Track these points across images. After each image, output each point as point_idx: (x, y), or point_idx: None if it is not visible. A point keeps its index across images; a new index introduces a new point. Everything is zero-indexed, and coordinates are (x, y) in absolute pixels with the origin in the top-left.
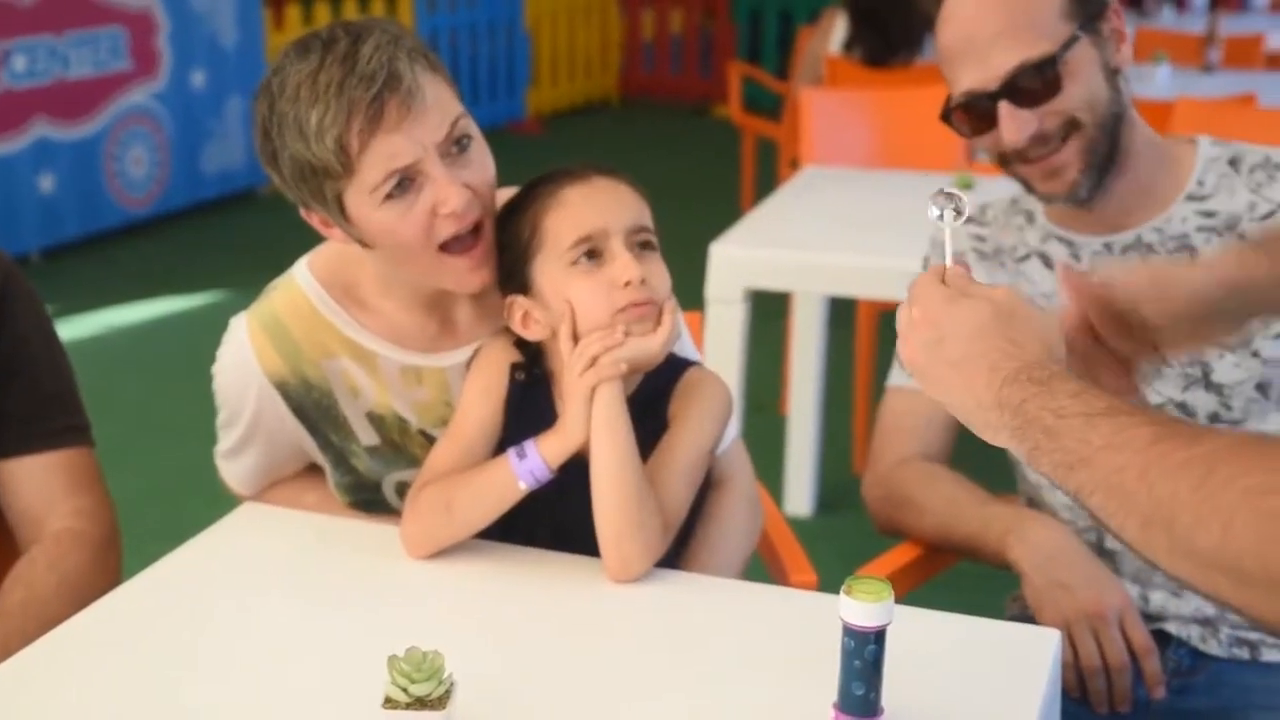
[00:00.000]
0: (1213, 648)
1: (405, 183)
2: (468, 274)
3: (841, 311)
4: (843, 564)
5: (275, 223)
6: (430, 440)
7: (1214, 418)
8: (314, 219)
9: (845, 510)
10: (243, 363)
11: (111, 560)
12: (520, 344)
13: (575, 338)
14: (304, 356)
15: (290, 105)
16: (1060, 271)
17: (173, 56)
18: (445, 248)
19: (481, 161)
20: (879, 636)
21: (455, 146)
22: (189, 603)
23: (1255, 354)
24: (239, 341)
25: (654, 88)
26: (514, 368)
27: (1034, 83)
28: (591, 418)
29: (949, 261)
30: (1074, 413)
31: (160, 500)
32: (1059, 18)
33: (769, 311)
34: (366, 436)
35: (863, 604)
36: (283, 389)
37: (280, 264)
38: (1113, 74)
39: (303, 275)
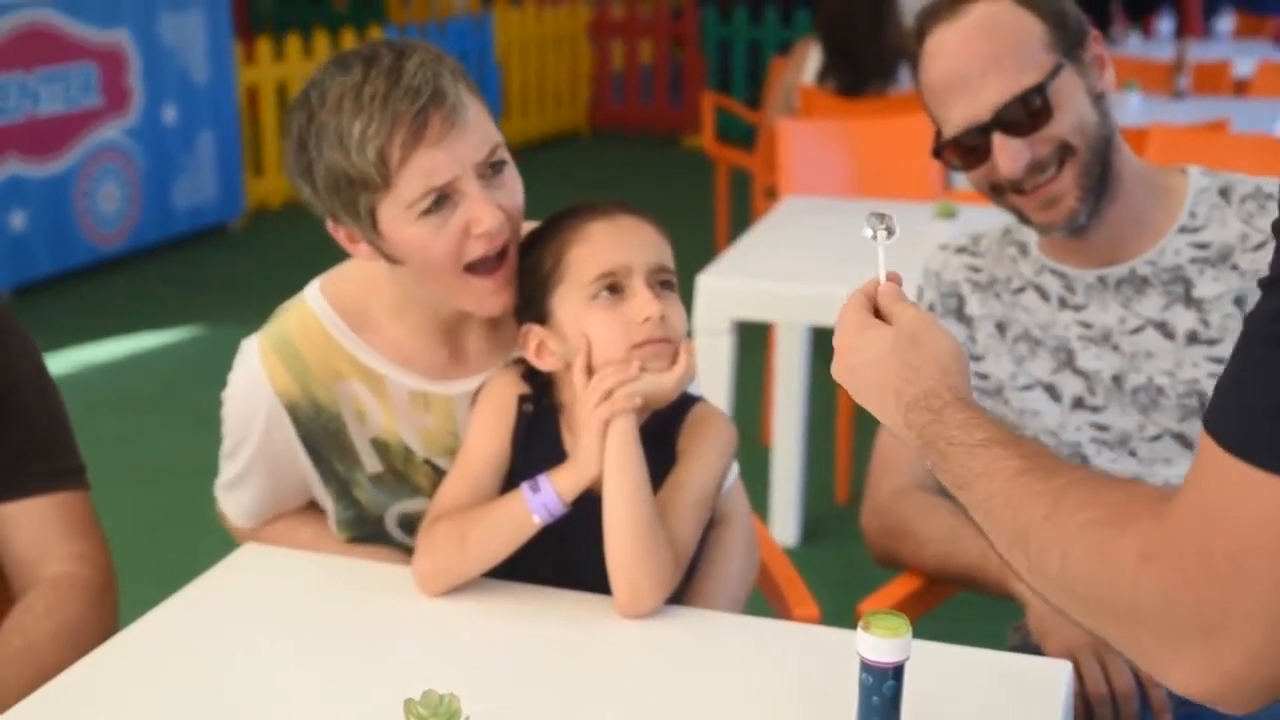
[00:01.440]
0: None
1: (441, 199)
2: (490, 296)
3: (823, 341)
4: (829, 594)
5: (248, 258)
6: (434, 470)
7: (1078, 402)
8: (340, 233)
9: (831, 540)
10: (254, 384)
11: (109, 605)
12: (527, 376)
13: (589, 371)
14: (314, 378)
15: (332, 116)
16: None
17: (144, 92)
18: (470, 268)
19: (514, 186)
20: (898, 672)
21: (491, 169)
22: (191, 649)
23: (1115, 347)
24: (250, 363)
25: (624, 118)
26: (522, 399)
27: (1024, 112)
28: (605, 451)
29: (882, 278)
30: (959, 442)
31: (138, 539)
32: (1042, 48)
33: (748, 341)
34: (371, 464)
35: (881, 639)
36: (293, 411)
37: (252, 299)
38: (1098, 99)
39: (314, 297)
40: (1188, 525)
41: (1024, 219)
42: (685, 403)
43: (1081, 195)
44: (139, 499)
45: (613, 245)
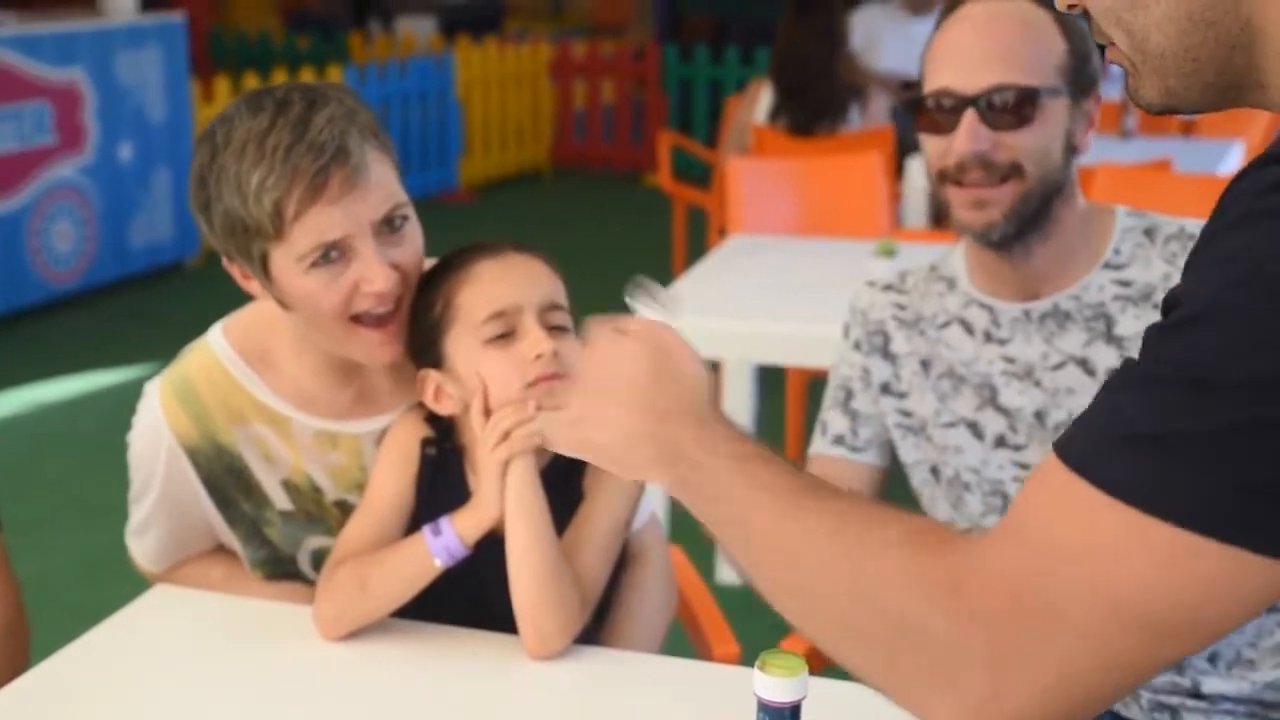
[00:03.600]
0: (1134, 712)
1: (333, 254)
2: (378, 347)
3: (770, 379)
4: (774, 633)
5: (203, 296)
6: (345, 510)
7: (1000, 440)
8: (234, 269)
9: None
10: (154, 429)
11: (17, 647)
12: (432, 418)
13: (487, 413)
14: (215, 421)
15: (233, 160)
16: None
17: (99, 130)
18: (358, 319)
19: (413, 241)
20: (794, 712)
21: (388, 226)
22: (97, 690)
23: (1037, 383)
24: (151, 407)
25: (586, 157)
26: (425, 443)
27: (1007, 106)
28: (505, 492)
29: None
30: (725, 453)
31: (86, 579)
32: (1054, 68)
33: None
34: (280, 501)
35: (777, 679)
36: (193, 455)
37: None
38: (1070, 149)
39: (216, 340)
40: (1007, 557)
41: (948, 212)
42: None
43: (1009, 214)
44: (86, 538)
45: (502, 284)
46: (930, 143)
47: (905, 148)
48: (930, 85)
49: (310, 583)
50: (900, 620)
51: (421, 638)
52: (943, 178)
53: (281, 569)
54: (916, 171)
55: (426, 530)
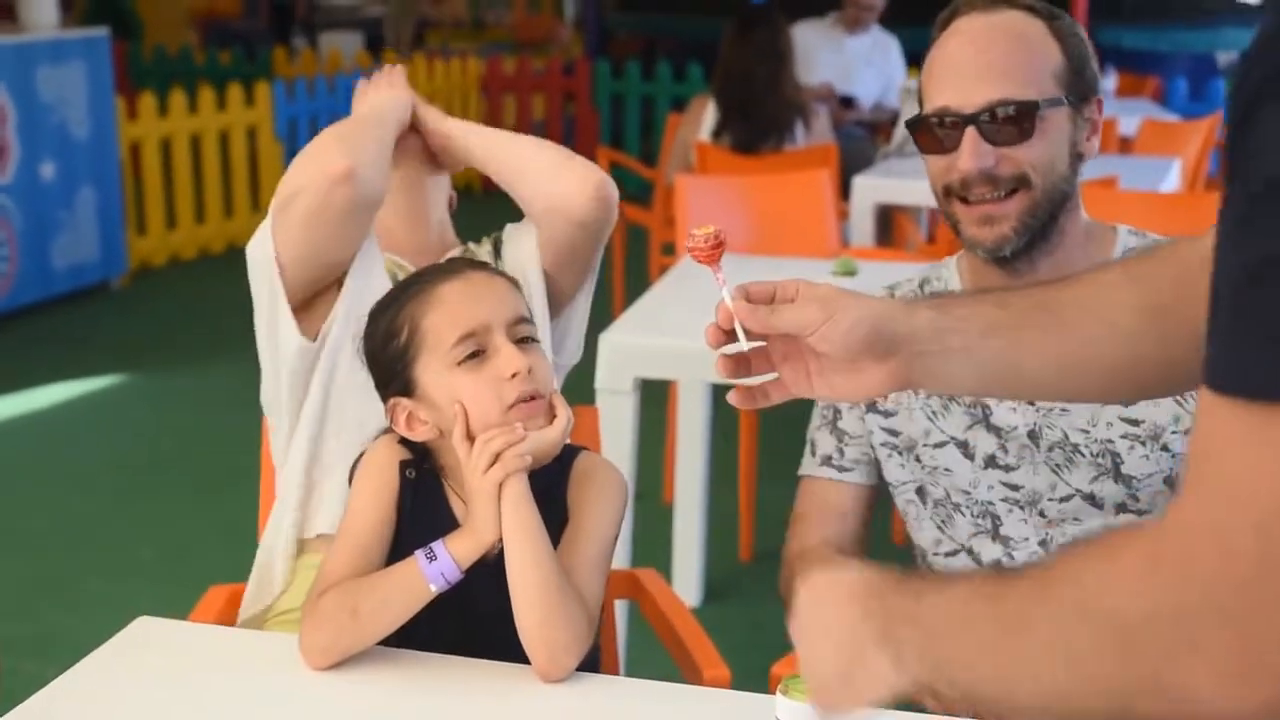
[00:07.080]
0: None
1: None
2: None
3: (724, 398)
4: (735, 655)
5: (130, 317)
6: None
7: (1121, 508)
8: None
9: (735, 599)
10: None
11: None
12: (407, 441)
13: (470, 438)
14: None
15: None
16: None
17: (20, 148)
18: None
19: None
20: None
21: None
22: None
23: (1165, 448)
24: None
25: None
26: (404, 465)
27: (1008, 121)
28: (502, 514)
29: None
30: (926, 620)
31: (14, 610)
32: (1052, 78)
33: (649, 398)
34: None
35: (800, 703)
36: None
37: (135, 359)
38: (1076, 157)
39: None
40: (1196, 509)
41: (957, 229)
42: (567, 455)
43: (1019, 228)
44: (17, 568)
45: (468, 304)
46: (933, 161)
47: (850, 166)
48: (930, 104)
49: None
50: (1123, 623)
51: (416, 667)
52: (948, 194)
53: None
54: (862, 190)
55: (420, 555)
